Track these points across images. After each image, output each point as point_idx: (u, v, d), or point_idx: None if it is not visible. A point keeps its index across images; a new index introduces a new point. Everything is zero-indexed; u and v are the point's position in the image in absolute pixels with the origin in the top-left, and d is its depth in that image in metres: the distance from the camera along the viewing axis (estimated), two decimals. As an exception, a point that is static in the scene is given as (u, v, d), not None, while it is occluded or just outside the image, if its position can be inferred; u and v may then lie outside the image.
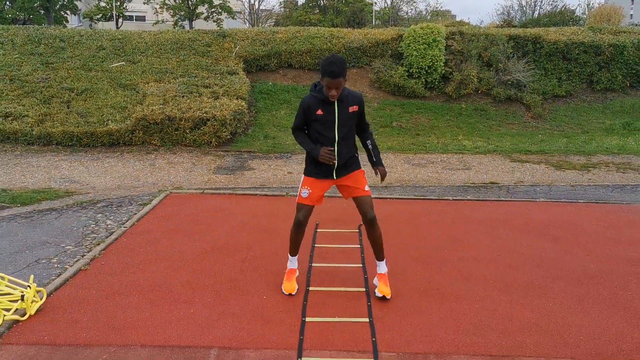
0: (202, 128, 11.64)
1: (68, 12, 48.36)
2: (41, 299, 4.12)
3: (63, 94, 13.18)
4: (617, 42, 15.56)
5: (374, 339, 3.68)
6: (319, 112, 4.03)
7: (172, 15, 49.30)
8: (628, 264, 5.22)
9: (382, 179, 4.29)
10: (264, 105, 14.73)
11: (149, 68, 14.68)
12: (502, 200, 7.74)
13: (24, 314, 3.91)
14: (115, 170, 9.82)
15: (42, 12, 43.13)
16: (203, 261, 5.13)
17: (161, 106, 12.01)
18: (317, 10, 49.20)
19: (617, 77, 15.59)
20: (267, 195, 7.74)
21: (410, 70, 15.48)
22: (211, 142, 11.69)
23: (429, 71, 15.34)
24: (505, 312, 4.18)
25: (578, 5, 48.49)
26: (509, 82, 15.35)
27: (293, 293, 4.28)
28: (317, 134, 4.10)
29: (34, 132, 11.50)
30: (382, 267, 4.35)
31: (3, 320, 3.79)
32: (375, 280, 4.37)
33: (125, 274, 4.80)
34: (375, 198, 7.54)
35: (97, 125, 11.76)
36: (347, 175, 4.19)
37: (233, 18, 53.34)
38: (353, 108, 4.09)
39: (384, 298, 4.22)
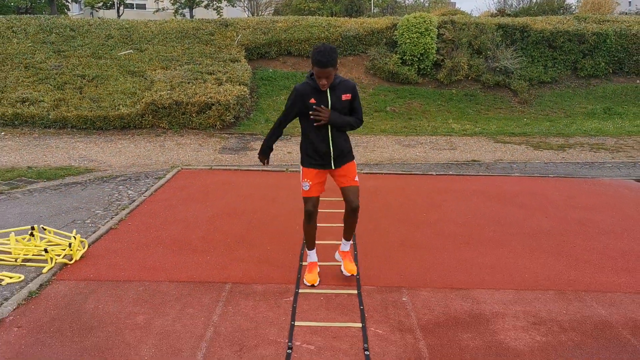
0: (207, 112, 12.46)
1: (69, 0, 48.89)
2: (84, 248, 4.99)
3: (75, 81, 13.98)
4: (601, 31, 16.34)
5: (357, 277, 4.56)
6: (312, 100, 4.01)
7: (172, 3, 49.72)
8: (578, 224, 6.10)
9: (321, 115, 4.00)
10: (264, 91, 15.53)
11: (155, 56, 15.46)
12: (481, 175, 8.61)
13: (71, 259, 4.78)
14: (128, 151, 10.66)
15: (42, 0, 43.62)
16: (214, 222, 6.00)
17: (169, 92, 12.82)
18: (316, -2, 49.62)
19: (600, 64, 16.38)
20: (268, 170, 8.59)
21: (404, 58, 16.26)
22: (216, 125, 12.51)
23: (421, 58, 16.13)
24: (468, 258, 5.05)
25: None
26: (498, 69, 16.14)
27: (315, 284, 4.34)
28: (311, 124, 4.07)
29: (50, 116, 12.31)
30: (347, 246, 4.48)
31: (55, 262, 4.65)
32: (338, 256, 4.57)
33: (149, 232, 5.67)
34: (367, 173, 8.44)
35: (109, 109, 12.57)
36: (343, 166, 4.23)
37: (233, 6, 53.84)
38: (346, 96, 4.08)
39: (352, 276, 4.43)
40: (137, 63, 15.06)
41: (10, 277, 4.38)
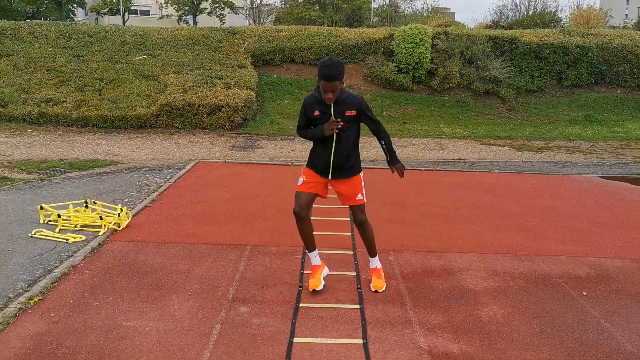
0: (217, 113, 13.56)
1: (75, 5, 50.08)
2: (128, 218, 6.06)
3: (94, 83, 15.08)
4: (584, 44, 17.49)
5: (353, 243, 5.62)
6: (316, 112, 4.04)
7: (176, 10, 50.83)
8: (541, 209, 7.19)
9: (401, 174, 4.34)
10: (269, 96, 16.64)
11: (167, 61, 16.58)
12: (464, 171, 9.71)
13: (119, 226, 5.84)
14: (147, 147, 11.74)
15: (48, 5, 44.72)
16: (233, 203, 7.07)
17: (181, 94, 13.92)
18: (317, 7, 50.91)
19: (583, 74, 17.52)
20: (276, 164, 9.67)
21: (400, 66, 17.39)
22: (225, 126, 13.61)
23: (416, 67, 17.25)
24: (444, 231, 6.13)
25: (557, 8, 50.12)
26: (487, 78, 17.26)
27: (317, 289, 4.33)
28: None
29: (73, 116, 13.40)
30: (374, 263, 4.52)
31: (107, 228, 5.72)
32: (370, 275, 4.60)
33: (178, 209, 6.74)
34: (363, 168, 9.51)
35: (126, 110, 13.66)
36: (342, 179, 4.19)
37: (236, 13, 55.16)
38: (350, 112, 4.02)
39: (376, 292, 4.43)
40: (151, 67, 16.17)
41: (74, 238, 5.44)
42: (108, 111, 13.53)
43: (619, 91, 17.64)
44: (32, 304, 4.06)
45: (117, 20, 50.45)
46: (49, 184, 8.11)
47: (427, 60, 17.30)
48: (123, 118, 13.39)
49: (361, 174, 4.28)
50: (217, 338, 3.69)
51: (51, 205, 6.23)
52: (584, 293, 4.59)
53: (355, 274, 4.84)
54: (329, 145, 4.08)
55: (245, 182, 8.29)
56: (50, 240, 5.43)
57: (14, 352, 3.43)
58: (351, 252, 5.36)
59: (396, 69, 17.41)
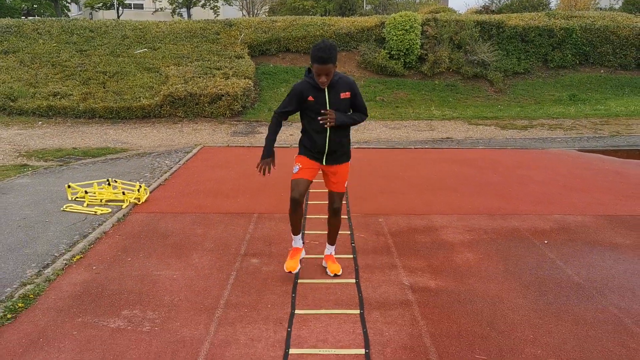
0: (218, 102, 14.23)
1: (69, 1, 50.40)
2: (147, 194, 6.78)
3: (98, 77, 15.73)
4: (568, 26, 18.16)
5: (348, 211, 6.35)
6: (310, 98, 4.00)
7: (170, 3, 51.13)
8: (518, 178, 7.94)
9: (323, 116, 4.01)
10: (266, 84, 17.31)
11: (168, 53, 17.22)
12: (451, 148, 10.43)
13: (139, 201, 6.56)
14: (152, 135, 12.43)
15: (42, 1, 45.10)
16: (238, 180, 7.79)
17: (183, 85, 14.58)
18: (310, -3, 51.27)
19: (568, 56, 18.21)
20: (275, 147, 10.35)
21: (391, 53, 18.05)
22: (226, 114, 14.29)
23: (407, 53, 17.92)
24: (429, 198, 6.87)
25: None
26: (476, 62, 17.94)
27: (293, 272, 4.32)
28: (309, 121, 4.09)
29: (80, 108, 14.06)
30: (331, 250, 4.63)
31: (129, 202, 6.44)
32: (324, 262, 4.64)
33: (190, 186, 7.46)
34: (355, 148, 10.24)
35: (131, 101, 14.33)
36: (335, 165, 4.25)
37: (230, 5, 55.58)
38: (345, 94, 4.04)
39: (336, 276, 4.48)
40: (152, 60, 16.81)
41: (101, 210, 6.17)
42: (113, 103, 14.19)
43: (602, 71, 18.34)
44: (75, 260, 4.80)
45: (111, 14, 50.78)
46: (67, 169, 8.81)
47: (417, 46, 17.96)
48: (128, 109, 14.05)
49: (349, 162, 4.34)
50: (234, 281, 4.43)
51: (77, 184, 6.95)
52: (545, 241, 5.34)
53: (349, 232, 5.58)
54: (322, 132, 4.05)
55: (248, 162, 9.01)
56: (80, 212, 6.16)
57: (67, 294, 4.16)
58: (345, 216, 6.09)
59: (388, 55, 18.07)
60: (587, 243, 5.33)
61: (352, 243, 5.29)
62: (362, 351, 3.41)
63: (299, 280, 4.42)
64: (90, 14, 53.17)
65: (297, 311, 3.91)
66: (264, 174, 4.22)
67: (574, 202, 6.73)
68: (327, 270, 4.54)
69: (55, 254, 4.95)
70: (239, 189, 7.33)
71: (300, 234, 4.43)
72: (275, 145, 4.32)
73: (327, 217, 4.53)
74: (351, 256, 4.95)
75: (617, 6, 28.65)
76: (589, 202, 6.71)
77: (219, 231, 5.63)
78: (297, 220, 4.30)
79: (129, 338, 3.54)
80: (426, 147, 10.58)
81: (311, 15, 25.92)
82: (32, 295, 4.07)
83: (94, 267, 4.67)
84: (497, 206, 6.54)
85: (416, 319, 3.83)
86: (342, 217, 5.97)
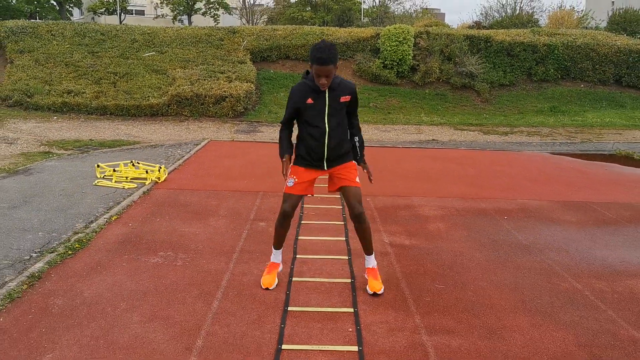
0: (222, 103, 15.26)
1: (72, 5, 51.38)
2: (166, 174, 7.78)
3: (109, 77, 16.73)
4: (551, 43, 19.34)
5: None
6: (309, 100, 3.85)
7: (171, 10, 52.23)
8: (492, 172, 8.99)
9: (370, 176, 4.18)
10: (266, 89, 18.36)
11: (174, 57, 18.25)
12: (436, 148, 11.49)
13: (159, 179, 7.56)
14: (161, 131, 13.43)
15: (46, 5, 46.04)
16: (244, 168, 8.80)
17: (189, 86, 15.61)
18: (309, 8, 52.61)
19: (550, 70, 19.37)
20: (276, 142, 11.36)
21: (385, 62, 19.15)
22: (229, 114, 15.31)
23: (400, 63, 19.03)
24: (412, 185, 7.90)
25: (541, 8, 52.16)
26: (464, 73, 19.07)
27: (270, 288, 4.13)
28: (307, 124, 3.93)
29: (92, 105, 15.05)
30: (371, 261, 4.22)
31: (151, 180, 7.43)
32: (366, 275, 4.26)
33: (201, 171, 8.46)
34: (350, 145, 11.29)
35: (140, 100, 15.33)
36: (339, 165, 4.05)
37: (230, 14, 56.82)
38: (345, 98, 3.91)
39: (375, 294, 4.09)
40: (160, 63, 17.84)
41: (128, 185, 7.17)
42: (124, 101, 15.18)
43: (582, 85, 19.50)
44: (113, 219, 5.79)
45: (113, 19, 51.80)
46: (88, 155, 9.79)
47: (410, 57, 19.07)
48: (138, 107, 15.05)
49: (353, 161, 4.18)
50: (246, 236, 5.43)
51: (105, 164, 7.95)
52: (505, 217, 6.39)
53: (340, 206, 6.59)
54: (322, 135, 3.90)
55: (252, 154, 10.03)
56: (110, 187, 7.15)
57: (112, 241, 5.15)
58: (338, 195, 7.10)
59: (382, 64, 19.16)
60: (540, 219, 6.37)
61: (342, 214, 6.29)
62: (349, 280, 4.41)
63: (300, 237, 5.42)
64: (92, 18, 54.19)
65: (298, 256, 4.91)
66: (285, 176, 4.06)
67: (537, 191, 7.79)
68: (367, 287, 4.14)
69: (96, 214, 5.93)
70: (245, 173, 8.34)
71: (281, 250, 4.29)
72: (275, 141, 4.33)
73: (349, 230, 4.32)
74: (342, 223, 5.96)
75: (602, 25, 29.94)
76: (549, 192, 7.76)
77: (230, 203, 6.63)
78: (282, 234, 4.19)
79: (166, 268, 4.54)
80: (413, 146, 11.63)
81: (310, 25, 27.08)
82: (84, 240, 5.06)
83: (130, 224, 5.66)
84: (470, 192, 7.58)
85: (392, 263, 4.84)
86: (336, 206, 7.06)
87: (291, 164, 4.09)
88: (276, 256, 4.29)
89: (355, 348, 3.40)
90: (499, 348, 3.46)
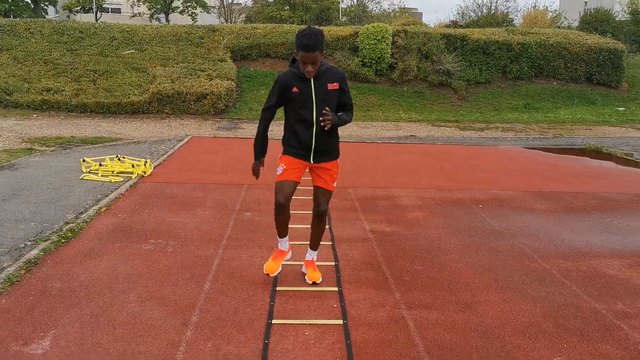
0: (202, 101, 15.39)
1: (47, 3, 50.74)
2: (151, 168, 7.94)
3: (89, 74, 16.75)
4: (524, 42, 19.84)
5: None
6: (295, 89, 3.72)
7: (148, 9, 51.86)
8: (468, 166, 9.33)
9: (325, 118, 3.72)
10: (247, 86, 18.53)
11: (154, 55, 18.32)
12: (414, 143, 11.81)
13: (145, 173, 7.72)
14: (143, 128, 13.53)
15: (20, 3, 45.42)
16: (227, 162, 9.00)
17: (170, 84, 15.71)
18: (287, 7, 52.73)
19: (524, 68, 19.87)
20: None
21: (364, 61, 19.45)
22: (210, 111, 15.46)
23: (378, 61, 19.34)
24: (390, 178, 8.18)
25: (516, 8, 53.22)
26: (441, 71, 19.46)
27: (272, 275, 4.10)
28: (294, 114, 3.81)
29: (72, 102, 15.07)
30: (313, 255, 4.30)
31: (137, 174, 7.60)
32: (304, 268, 4.32)
33: (185, 165, 8.64)
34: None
35: (121, 97, 15.39)
36: (324, 162, 3.99)
37: (208, 12, 56.67)
38: (333, 85, 3.75)
39: (314, 284, 4.18)
40: (140, 61, 17.89)
41: (115, 179, 7.32)
42: (104, 99, 15.23)
43: (555, 83, 20.04)
44: (102, 210, 5.95)
45: (88, 18, 51.27)
46: (71, 152, 9.88)
47: (388, 55, 19.39)
48: (118, 104, 15.11)
49: (338, 160, 4.16)
50: (233, 225, 5.65)
51: (90, 158, 8.09)
52: (480, 206, 6.70)
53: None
54: (309, 128, 3.79)
55: (234, 150, 10.22)
56: (96, 180, 7.30)
57: (103, 230, 5.33)
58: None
59: (361, 63, 19.45)
60: (513, 208, 6.70)
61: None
62: (333, 263, 4.66)
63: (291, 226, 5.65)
64: (68, 16, 53.60)
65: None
66: (256, 176, 4.09)
67: (510, 182, 8.13)
68: (306, 277, 4.23)
69: (85, 206, 6.09)
70: (228, 168, 8.54)
71: (287, 237, 4.19)
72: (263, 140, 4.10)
73: (310, 222, 4.25)
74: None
75: (575, 24, 30.67)
76: (522, 183, 8.11)
77: (216, 195, 6.83)
78: (282, 223, 4.06)
79: (158, 254, 4.74)
80: (392, 142, 11.94)
81: (289, 24, 27.30)
82: (76, 229, 5.23)
83: (120, 215, 5.84)
84: (447, 184, 7.89)
85: (373, 247, 5.11)
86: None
87: (280, 153, 4.02)
88: (282, 244, 4.19)
89: (340, 322, 3.65)
90: (472, 320, 3.74)
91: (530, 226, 5.95)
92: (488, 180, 8.27)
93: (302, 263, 4.40)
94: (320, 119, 3.75)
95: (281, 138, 4.02)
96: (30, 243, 4.83)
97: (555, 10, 43.79)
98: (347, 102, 3.97)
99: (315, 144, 3.87)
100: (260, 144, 4.01)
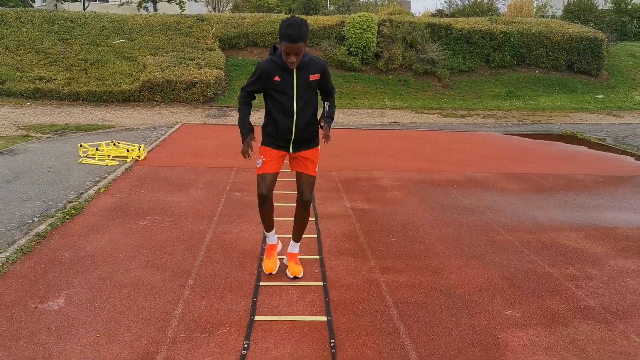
0: (192, 89, 15.74)
1: (33, -8, 50.39)
2: (145, 153, 8.35)
3: (80, 64, 17.01)
4: (507, 31, 20.32)
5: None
6: (276, 78, 3.69)
7: (136, -3, 51.58)
8: (447, 150, 9.81)
9: (325, 135, 3.93)
10: (235, 75, 18.87)
11: (144, 44, 18.59)
12: (397, 129, 12.27)
13: (139, 157, 8.13)
14: (134, 116, 13.88)
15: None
16: (217, 147, 9.41)
17: (160, 73, 16.04)
18: (275, -5, 52.75)
19: (507, 57, 20.36)
20: (247, 125, 12.01)
21: (350, 49, 19.84)
22: (199, 100, 15.82)
23: (364, 50, 19.74)
24: (373, 161, 8.64)
25: None
26: (426, 60, 19.90)
27: (273, 272, 4.16)
28: (275, 104, 3.79)
29: (65, 91, 15.36)
30: (295, 248, 4.26)
31: (132, 158, 8.00)
32: (285, 260, 4.30)
33: (178, 150, 9.05)
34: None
35: (112, 86, 15.70)
36: (304, 150, 3.98)
37: (196, 1, 56.60)
38: (314, 76, 3.76)
39: (296, 278, 4.13)
40: (130, 50, 18.16)
41: (111, 162, 7.72)
42: (96, 87, 15.53)
43: (536, 71, 20.56)
44: (101, 191, 6.37)
45: (76, 7, 50.94)
46: (67, 138, 10.24)
47: (374, 44, 19.80)
48: (110, 93, 15.42)
49: (319, 146, 4.12)
50: (224, 203, 6.09)
51: (87, 143, 8.47)
52: (454, 186, 7.19)
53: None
54: (289, 115, 3.77)
55: (224, 136, 10.63)
56: (94, 164, 7.69)
57: (103, 208, 5.75)
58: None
59: (347, 51, 19.84)
60: (485, 187, 7.19)
61: (310, 186, 6.98)
62: (315, 235, 5.13)
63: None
64: (55, 5, 53.28)
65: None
66: (246, 155, 3.95)
67: (485, 165, 8.63)
68: (287, 271, 4.20)
69: (85, 187, 6.50)
70: (218, 152, 8.96)
71: (274, 229, 4.22)
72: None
73: (293, 213, 4.22)
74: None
75: (558, 14, 31.19)
76: (496, 165, 8.61)
77: (207, 177, 7.26)
78: (268, 216, 4.10)
79: (155, 229, 5.18)
80: (376, 128, 12.40)
81: (276, 13, 27.64)
82: (79, 207, 5.65)
83: (118, 195, 6.25)
84: (425, 167, 8.37)
85: (353, 222, 5.58)
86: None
87: (257, 142, 3.98)
88: (270, 238, 4.23)
89: (320, 283, 4.11)
90: (437, 282, 4.23)
91: (499, 204, 6.44)
92: (465, 162, 8.75)
93: (285, 236, 4.63)
94: (322, 139, 3.96)
95: (261, 125, 4.01)
96: (37, 219, 5.25)
97: (541, -1, 44.34)
98: (329, 89, 4.00)
99: (295, 135, 3.85)
100: (246, 123, 3.95)
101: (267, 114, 3.93)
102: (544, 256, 4.83)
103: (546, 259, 4.75)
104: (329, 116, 4.01)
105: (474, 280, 4.26)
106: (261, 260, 4.50)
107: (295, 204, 4.21)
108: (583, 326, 3.61)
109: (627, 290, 4.19)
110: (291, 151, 3.95)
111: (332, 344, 3.29)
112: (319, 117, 4.04)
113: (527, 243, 5.15)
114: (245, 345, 3.24)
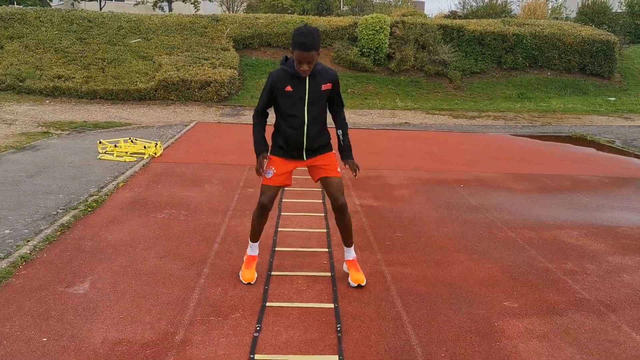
0: (207, 88, 16.04)
1: (51, -9, 51.09)
2: (161, 150, 8.62)
3: (98, 62, 17.38)
4: (519, 33, 20.41)
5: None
6: (288, 88, 3.71)
7: (152, -3, 52.12)
8: (456, 150, 10.00)
9: (355, 172, 4.05)
10: (249, 75, 19.15)
11: (160, 44, 18.93)
12: (408, 130, 12.46)
13: (156, 154, 8.40)
14: (150, 114, 14.19)
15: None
16: (231, 145, 9.67)
17: (175, 72, 16.35)
18: (289, -4, 53.04)
19: (519, 59, 20.45)
20: (260, 124, 12.26)
21: (363, 50, 20.05)
22: (213, 99, 16.11)
23: (376, 51, 19.94)
24: (383, 160, 8.85)
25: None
26: (438, 61, 20.05)
27: (252, 282, 4.05)
28: (286, 113, 3.79)
29: (82, 89, 15.72)
30: (351, 253, 4.17)
31: (149, 155, 8.28)
32: (345, 268, 4.23)
33: (193, 147, 9.32)
34: (328, 127, 12.21)
35: (128, 84, 16.04)
36: (319, 156, 3.96)
37: (210, 1, 57.07)
38: (326, 86, 3.80)
39: (359, 286, 4.05)
40: (146, 49, 18.51)
41: (129, 159, 8.00)
42: (113, 86, 15.88)
43: (549, 73, 20.64)
44: (120, 186, 6.65)
45: (93, 6, 51.64)
46: (86, 135, 10.56)
47: (386, 45, 19.99)
48: (126, 91, 15.76)
49: (333, 152, 4.10)
50: (237, 199, 6.34)
51: (106, 140, 8.77)
52: (461, 185, 7.38)
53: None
54: (300, 125, 3.78)
55: (237, 134, 10.89)
56: (112, 160, 7.98)
57: (123, 201, 6.02)
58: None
59: (359, 52, 20.05)
60: (491, 187, 7.38)
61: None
62: (325, 230, 5.36)
63: (284, 200, 6.35)
64: (72, 5, 54.02)
65: (282, 213, 5.84)
66: (260, 173, 3.97)
67: (493, 166, 8.80)
68: (350, 279, 4.11)
69: (105, 182, 6.79)
70: (232, 150, 9.22)
71: (258, 243, 4.17)
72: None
73: (334, 220, 4.19)
74: (319, 189, 6.89)
75: (572, 15, 31.15)
76: (504, 166, 8.79)
77: (221, 174, 7.52)
78: (260, 226, 4.08)
79: (172, 221, 5.43)
80: (386, 128, 12.60)
81: (290, 13, 27.93)
82: (99, 201, 5.92)
83: (136, 190, 6.53)
84: (434, 166, 8.57)
85: (361, 218, 5.80)
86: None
87: (268, 154, 3.97)
88: (253, 249, 4.16)
89: (328, 274, 4.34)
90: (440, 274, 4.44)
91: (504, 202, 6.63)
92: (473, 163, 8.94)
93: (295, 230, 4.98)
94: (354, 175, 4.08)
95: (271, 134, 3.98)
96: (61, 211, 5.53)
97: (557, 0, 44.24)
98: (339, 101, 4.01)
99: (307, 144, 3.85)
100: (261, 141, 3.98)
101: (277, 127, 3.92)
102: (545, 252, 5.02)
103: (546, 255, 4.94)
104: (348, 148, 4.09)
105: (475, 274, 4.46)
106: (273, 251, 4.73)
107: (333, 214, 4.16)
108: (577, 316, 3.81)
109: (622, 284, 4.37)
110: (305, 159, 3.92)
111: (339, 329, 3.52)
112: (334, 145, 4.10)
113: (528, 240, 5.33)
114: (257, 328, 3.48)
